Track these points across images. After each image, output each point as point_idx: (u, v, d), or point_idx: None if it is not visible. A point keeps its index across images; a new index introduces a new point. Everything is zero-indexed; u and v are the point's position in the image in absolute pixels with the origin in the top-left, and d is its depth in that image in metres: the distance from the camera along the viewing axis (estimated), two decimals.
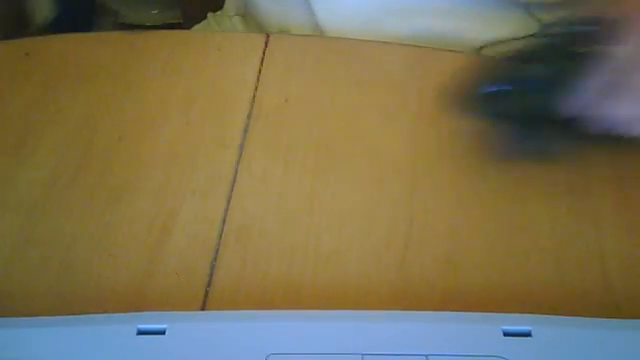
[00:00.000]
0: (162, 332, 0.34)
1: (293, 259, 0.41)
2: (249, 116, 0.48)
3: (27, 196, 0.44)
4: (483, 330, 0.34)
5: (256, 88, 0.49)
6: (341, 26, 0.55)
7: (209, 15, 0.67)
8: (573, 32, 0.38)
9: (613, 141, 0.38)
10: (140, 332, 0.34)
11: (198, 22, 0.68)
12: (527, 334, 0.33)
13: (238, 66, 0.51)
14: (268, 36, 0.53)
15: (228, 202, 0.43)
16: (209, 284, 0.39)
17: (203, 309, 0.38)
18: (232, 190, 0.44)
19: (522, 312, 0.35)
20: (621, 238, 0.42)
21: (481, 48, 0.54)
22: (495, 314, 0.35)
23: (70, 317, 0.35)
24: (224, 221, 0.42)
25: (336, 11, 0.54)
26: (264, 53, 0.52)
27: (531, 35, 0.39)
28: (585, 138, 0.38)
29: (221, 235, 0.42)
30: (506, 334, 0.33)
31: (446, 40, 0.54)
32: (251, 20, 0.63)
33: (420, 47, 0.53)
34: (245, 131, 0.47)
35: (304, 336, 0.33)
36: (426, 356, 0.32)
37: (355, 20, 0.54)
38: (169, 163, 0.45)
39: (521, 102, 0.39)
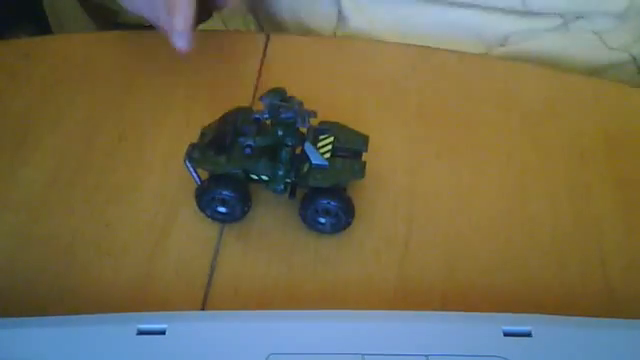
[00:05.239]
0: (162, 332, 0.34)
1: (293, 259, 0.41)
2: None
3: (27, 196, 0.44)
4: (483, 330, 0.33)
5: (256, 87, 0.49)
6: (366, 15, 0.54)
7: (214, 14, 0.67)
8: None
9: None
10: (140, 332, 0.34)
11: (197, 21, 0.68)
12: (527, 334, 0.33)
13: (238, 65, 0.51)
14: (268, 36, 0.53)
15: None
16: (209, 284, 0.39)
17: (203, 309, 0.38)
18: None
19: (522, 312, 0.35)
20: (621, 238, 0.42)
21: (505, 40, 0.54)
22: (495, 314, 0.35)
23: (70, 317, 0.35)
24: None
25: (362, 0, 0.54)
26: (264, 53, 0.52)
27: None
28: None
29: (221, 235, 0.42)
30: (506, 334, 0.33)
31: (471, 31, 0.54)
32: (262, 16, 0.63)
33: (420, 46, 0.53)
34: None
35: (304, 336, 0.33)
36: (426, 356, 0.32)
37: (381, 10, 0.54)
38: (169, 163, 0.45)
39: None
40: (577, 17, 0.53)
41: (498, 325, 0.34)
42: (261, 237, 0.42)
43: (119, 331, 0.34)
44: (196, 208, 0.42)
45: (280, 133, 0.40)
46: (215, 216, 0.42)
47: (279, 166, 0.40)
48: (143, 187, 0.44)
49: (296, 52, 0.53)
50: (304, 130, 0.41)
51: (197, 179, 0.41)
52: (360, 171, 0.40)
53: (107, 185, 0.44)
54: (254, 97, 0.49)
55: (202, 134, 0.42)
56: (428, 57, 0.52)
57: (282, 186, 0.41)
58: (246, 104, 0.48)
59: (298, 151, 0.41)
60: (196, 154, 0.41)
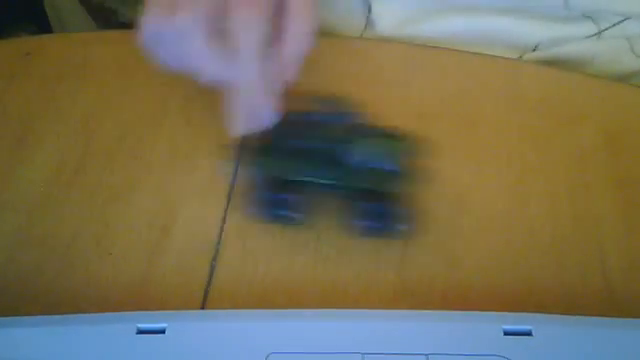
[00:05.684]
0: (162, 331, 0.34)
1: (293, 259, 0.41)
2: None
3: (27, 196, 0.44)
4: (484, 329, 0.33)
5: None
6: (395, 20, 0.54)
7: None
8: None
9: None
10: (140, 331, 0.34)
11: None
12: (528, 333, 0.33)
13: None
14: None
15: (228, 201, 0.43)
16: (209, 283, 0.39)
17: (203, 308, 0.38)
18: (232, 189, 0.44)
19: (523, 311, 0.34)
20: (621, 238, 0.42)
21: (537, 46, 0.54)
22: (496, 313, 0.35)
23: (70, 316, 0.35)
24: (224, 221, 0.42)
25: (393, 4, 0.54)
26: None
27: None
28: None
29: (221, 235, 0.42)
30: (507, 333, 0.33)
31: (503, 38, 0.54)
32: None
33: (420, 46, 0.53)
34: None
35: (304, 335, 0.33)
36: (426, 355, 0.32)
37: (412, 12, 0.54)
38: (169, 163, 0.45)
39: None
40: (614, 24, 0.53)
41: (498, 324, 0.34)
42: (261, 237, 0.42)
43: (119, 330, 0.34)
44: (196, 209, 0.42)
45: (331, 135, 0.40)
46: (274, 219, 0.41)
47: (330, 168, 0.40)
48: (143, 187, 0.44)
49: None
50: (354, 131, 0.40)
51: (257, 182, 0.41)
52: (412, 175, 0.39)
53: (107, 185, 0.44)
54: None
55: (250, 138, 0.41)
56: (428, 57, 0.52)
57: (332, 188, 0.40)
58: None
59: (348, 153, 0.40)
60: (253, 157, 0.40)
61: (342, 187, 0.40)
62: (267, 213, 0.41)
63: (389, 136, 0.41)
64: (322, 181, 0.40)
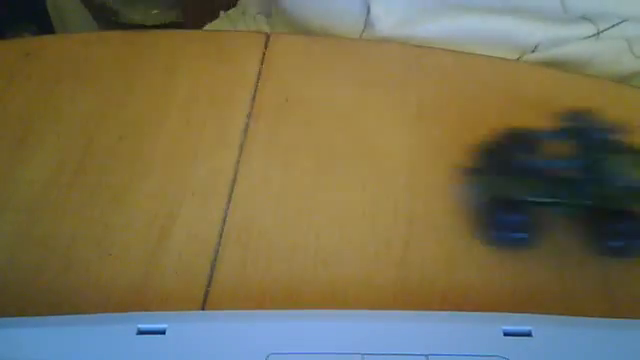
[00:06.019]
0: (162, 332, 0.34)
1: (293, 259, 0.41)
2: (249, 116, 0.48)
3: (27, 196, 0.44)
4: (483, 330, 0.33)
5: (256, 88, 0.49)
6: (393, 21, 0.54)
7: (222, 14, 0.67)
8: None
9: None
10: (140, 332, 0.34)
11: (198, 22, 0.68)
12: (527, 334, 0.33)
13: (238, 66, 0.51)
14: (268, 36, 0.53)
15: (228, 202, 0.43)
16: (209, 284, 0.39)
17: (203, 309, 0.38)
18: (232, 190, 0.44)
19: (523, 312, 0.35)
20: None
21: (536, 47, 0.54)
22: (495, 314, 0.35)
23: (70, 317, 0.35)
24: (224, 221, 0.42)
25: (392, 5, 0.54)
26: (264, 53, 0.52)
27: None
28: None
29: (221, 235, 0.42)
30: (506, 334, 0.33)
31: (504, 39, 0.54)
32: (280, 19, 0.62)
33: (420, 46, 0.53)
34: (245, 131, 0.47)
35: (304, 336, 0.33)
36: (426, 356, 0.32)
37: (410, 13, 0.54)
38: (169, 163, 0.45)
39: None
40: (612, 25, 0.53)
41: (498, 325, 0.34)
42: (261, 237, 0.42)
43: (119, 331, 0.34)
44: (196, 209, 0.42)
45: (579, 153, 0.38)
46: (506, 242, 0.40)
47: (575, 187, 0.38)
48: (143, 187, 0.44)
49: (296, 52, 0.53)
50: (599, 147, 0.39)
51: (486, 204, 0.40)
52: None
53: (107, 185, 0.44)
54: (254, 97, 0.49)
55: (473, 155, 0.40)
56: (428, 57, 0.52)
57: (577, 209, 0.39)
58: (246, 103, 0.48)
59: (599, 170, 0.39)
60: (485, 177, 0.39)
61: (588, 207, 0.38)
62: (498, 235, 0.40)
63: (634, 151, 0.39)
64: (567, 201, 0.39)
